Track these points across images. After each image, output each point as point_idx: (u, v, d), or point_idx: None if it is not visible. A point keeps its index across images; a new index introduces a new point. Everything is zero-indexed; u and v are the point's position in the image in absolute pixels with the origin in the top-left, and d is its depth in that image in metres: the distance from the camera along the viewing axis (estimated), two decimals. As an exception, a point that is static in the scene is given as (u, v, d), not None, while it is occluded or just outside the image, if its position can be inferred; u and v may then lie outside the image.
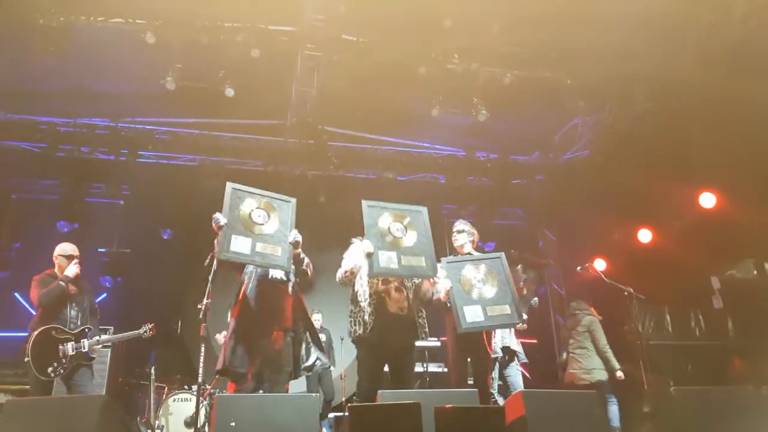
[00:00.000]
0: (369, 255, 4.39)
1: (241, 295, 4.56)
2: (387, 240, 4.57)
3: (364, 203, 4.69)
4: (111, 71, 7.03)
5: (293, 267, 4.59)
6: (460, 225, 5.41)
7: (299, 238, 4.54)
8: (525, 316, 5.26)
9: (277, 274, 4.68)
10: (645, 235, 8.30)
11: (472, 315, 4.73)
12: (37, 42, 6.10)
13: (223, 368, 4.39)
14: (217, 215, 4.34)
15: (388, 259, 4.45)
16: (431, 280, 4.67)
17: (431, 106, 7.27)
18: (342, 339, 7.62)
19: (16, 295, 8.10)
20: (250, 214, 4.50)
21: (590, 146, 8.56)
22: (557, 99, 7.38)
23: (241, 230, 4.40)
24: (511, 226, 10.05)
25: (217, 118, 8.19)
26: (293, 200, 4.74)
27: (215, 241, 4.34)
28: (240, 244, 4.35)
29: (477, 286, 4.90)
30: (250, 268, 4.62)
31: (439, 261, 4.88)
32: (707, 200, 7.55)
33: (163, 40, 6.22)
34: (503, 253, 5.14)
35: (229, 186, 4.53)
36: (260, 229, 4.49)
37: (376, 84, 7.08)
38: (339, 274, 4.64)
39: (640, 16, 6.03)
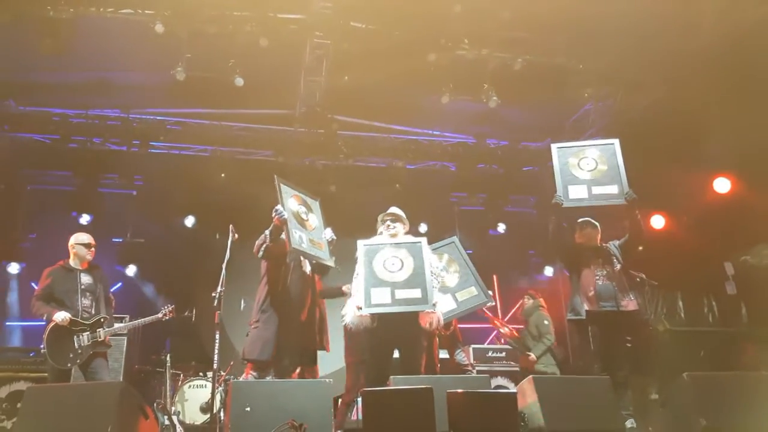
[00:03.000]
0: (358, 308, 4.42)
1: (280, 286, 4.58)
2: (381, 276, 4.52)
3: (360, 243, 4.71)
4: (121, 62, 7.06)
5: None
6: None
7: (335, 237, 4.78)
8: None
9: (308, 268, 4.76)
10: (658, 221, 8.24)
11: (446, 305, 4.79)
12: (48, 34, 6.13)
13: (259, 358, 4.39)
14: (280, 208, 4.40)
15: (380, 296, 4.43)
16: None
17: (441, 94, 7.22)
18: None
19: (33, 285, 8.21)
20: (297, 209, 4.61)
21: (602, 132, 8.47)
22: (569, 84, 7.32)
23: (295, 225, 4.51)
24: (522, 213, 10.01)
25: (227, 109, 8.20)
26: (318, 200, 4.97)
27: (266, 232, 4.47)
28: (299, 239, 4.45)
29: (441, 275, 4.94)
30: (288, 259, 4.65)
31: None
32: (722, 185, 7.48)
33: (172, 30, 6.21)
34: (456, 238, 5.29)
35: (277, 180, 4.60)
36: (307, 225, 4.64)
37: (385, 72, 7.04)
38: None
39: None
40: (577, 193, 4.94)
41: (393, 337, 4.50)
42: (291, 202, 4.60)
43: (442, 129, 8.99)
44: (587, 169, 5.06)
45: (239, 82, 6.73)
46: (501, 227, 9.29)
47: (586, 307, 4.97)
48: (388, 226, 4.89)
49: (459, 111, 8.00)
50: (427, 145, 9.12)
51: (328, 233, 4.81)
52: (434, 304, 4.50)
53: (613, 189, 4.96)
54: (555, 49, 6.96)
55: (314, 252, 4.58)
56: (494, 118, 8.05)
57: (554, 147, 5.24)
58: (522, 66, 6.91)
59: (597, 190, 4.96)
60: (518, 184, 9.47)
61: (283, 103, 8.00)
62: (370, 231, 5.10)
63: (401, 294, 4.45)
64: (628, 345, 4.99)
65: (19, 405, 5.98)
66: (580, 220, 5.49)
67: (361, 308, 4.39)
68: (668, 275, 6.93)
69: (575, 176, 5.01)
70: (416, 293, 4.47)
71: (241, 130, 8.55)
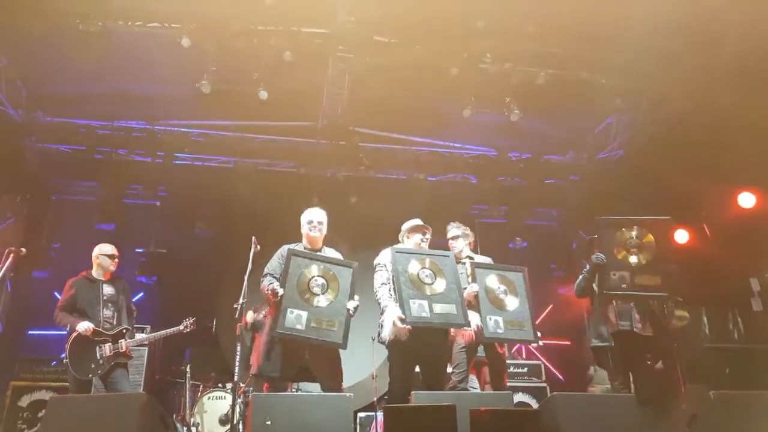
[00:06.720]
0: (401, 320, 4.34)
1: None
2: (417, 287, 4.51)
3: (393, 250, 4.71)
4: (147, 75, 7.18)
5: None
6: (453, 230, 5.34)
7: (357, 305, 4.55)
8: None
9: None
10: (682, 236, 8.12)
11: (493, 326, 4.75)
12: (76, 47, 6.25)
13: (257, 372, 4.41)
14: (275, 286, 4.35)
15: (419, 308, 4.41)
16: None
17: (463, 107, 7.23)
18: (373, 339, 7.63)
19: (56, 294, 8.30)
20: (308, 282, 4.45)
21: (625, 146, 8.40)
22: (592, 98, 7.27)
23: (297, 302, 4.36)
24: (543, 227, 9.92)
25: (250, 121, 8.27)
26: (355, 264, 4.70)
27: (269, 285, 4.43)
28: (295, 319, 4.30)
29: (500, 297, 4.91)
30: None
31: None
32: (746, 200, 7.37)
33: (198, 43, 6.31)
34: (526, 269, 5.15)
35: (289, 253, 4.49)
36: (317, 300, 4.43)
37: (407, 85, 7.08)
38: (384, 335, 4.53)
39: (676, 15, 5.90)
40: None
41: (416, 351, 4.47)
42: (305, 274, 4.46)
43: (464, 141, 8.98)
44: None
45: (263, 95, 6.80)
46: (519, 240, 9.20)
47: (609, 329, 4.98)
48: (426, 239, 4.91)
49: (481, 124, 7.98)
50: (449, 158, 9.10)
51: (352, 304, 4.52)
52: (469, 322, 4.49)
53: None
54: (578, 63, 6.94)
55: (314, 334, 4.31)
56: (517, 130, 8.01)
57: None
58: (545, 80, 6.89)
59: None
60: (540, 197, 9.39)
61: (305, 115, 8.05)
62: (390, 242, 5.07)
63: (438, 308, 4.45)
64: (649, 363, 4.93)
65: (39, 414, 6.12)
66: (595, 236, 5.49)
67: (403, 319, 4.31)
68: (692, 291, 6.81)
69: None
70: (452, 309, 4.49)
71: (264, 142, 8.61)
